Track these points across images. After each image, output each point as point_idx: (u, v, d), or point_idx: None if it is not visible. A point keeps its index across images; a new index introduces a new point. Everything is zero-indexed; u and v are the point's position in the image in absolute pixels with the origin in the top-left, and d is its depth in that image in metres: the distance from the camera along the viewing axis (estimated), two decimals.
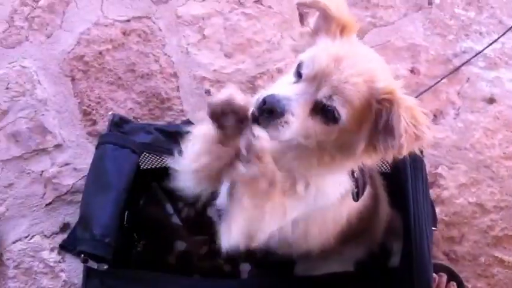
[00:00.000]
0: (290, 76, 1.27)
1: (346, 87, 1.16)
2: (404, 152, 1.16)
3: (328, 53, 1.21)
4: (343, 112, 1.17)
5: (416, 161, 1.65)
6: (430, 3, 2.49)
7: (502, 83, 2.32)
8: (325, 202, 1.42)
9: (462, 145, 2.20)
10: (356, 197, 1.47)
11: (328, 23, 1.28)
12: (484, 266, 2.04)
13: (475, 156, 2.19)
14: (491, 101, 2.29)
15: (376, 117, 1.18)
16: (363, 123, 1.19)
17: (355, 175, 1.43)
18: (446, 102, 2.27)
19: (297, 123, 1.17)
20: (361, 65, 1.19)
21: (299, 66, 1.23)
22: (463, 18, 2.46)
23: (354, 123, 1.19)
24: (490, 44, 2.34)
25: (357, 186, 1.45)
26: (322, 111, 1.19)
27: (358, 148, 1.21)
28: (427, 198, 1.65)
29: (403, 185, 1.63)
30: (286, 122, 1.16)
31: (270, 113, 1.15)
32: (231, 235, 1.32)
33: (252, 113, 1.19)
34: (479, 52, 2.33)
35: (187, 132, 1.56)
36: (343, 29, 1.27)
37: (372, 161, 1.32)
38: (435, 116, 2.24)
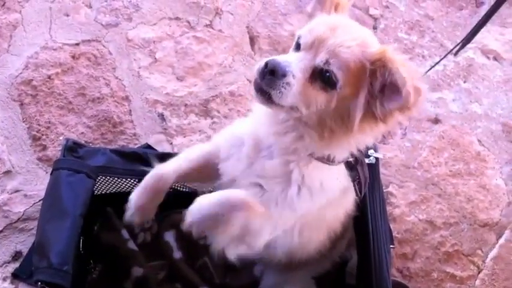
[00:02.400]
0: (290, 52, 1.34)
1: (341, 50, 1.21)
2: (412, 102, 1.19)
3: (324, 22, 1.29)
4: (340, 75, 1.22)
5: (373, 181, 1.69)
6: (374, 28, 2.58)
7: (446, 104, 2.42)
8: (324, 199, 1.44)
9: (410, 164, 2.27)
10: (359, 191, 1.52)
11: (323, 3, 1.38)
12: (436, 282, 2.08)
13: (423, 174, 2.26)
14: (436, 121, 2.38)
15: (372, 80, 1.22)
16: (360, 87, 1.24)
17: (358, 169, 1.48)
18: (393, 123, 2.33)
19: (297, 85, 1.23)
20: (355, 32, 1.28)
21: (298, 39, 1.30)
22: (406, 41, 2.56)
23: (351, 87, 1.24)
24: (432, 67, 2.43)
25: (359, 182, 1.50)
26: (320, 76, 1.24)
27: (357, 117, 1.24)
28: (384, 217, 1.69)
29: (361, 205, 1.65)
30: (287, 83, 1.22)
31: (272, 73, 1.22)
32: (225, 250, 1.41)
33: (254, 81, 1.26)
34: (423, 74, 2.42)
35: (146, 154, 1.57)
36: (336, 6, 1.38)
37: (370, 135, 1.34)
38: (383, 136, 2.30)
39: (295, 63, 1.24)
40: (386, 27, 2.58)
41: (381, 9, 2.63)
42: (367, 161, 1.75)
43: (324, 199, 1.44)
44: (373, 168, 1.74)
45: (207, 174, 1.61)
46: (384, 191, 2.15)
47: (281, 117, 1.38)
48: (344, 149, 1.38)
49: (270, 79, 1.22)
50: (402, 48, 2.52)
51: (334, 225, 1.62)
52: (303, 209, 1.42)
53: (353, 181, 1.50)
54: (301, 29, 1.33)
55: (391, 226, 2.01)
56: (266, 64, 1.22)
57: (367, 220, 1.63)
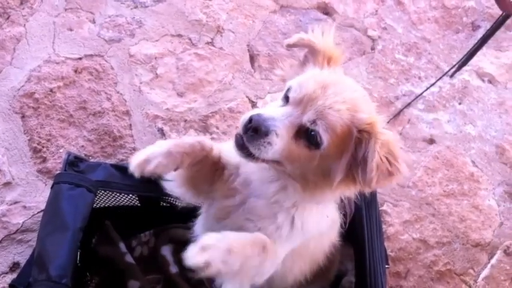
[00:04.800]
0: (278, 101, 1.31)
1: (330, 112, 1.19)
2: (373, 187, 1.20)
3: (316, 79, 1.25)
4: (325, 137, 1.19)
5: (370, 201, 1.72)
6: (372, 49, 2.63)
7: (441, 125, 2.45)
8: (312, 234, 1.44)
9: (405, 183, 2.30)
10: (344, 223, 1.52)
11: (315, 56, 1.34)
12: None
13: (417, 194, 2.29)
14: (431, 141, 2.41)
15: (356, 147, 1.20)
16: (344, 151, 1.21)
17: (344, 202, 1.46)
18: None
19: (280, 144, 1.20)
20: (346, 94, 1.23)
21: (287, 91, 1.27)
22: (403, 63, 2.61)
23: (335, 150, 1.21)
24: (428, 88, 2.48)
25: (344, 214, 1.50)
26: (305, 135, 1.21)
27: (337, 177, 1.22)
28: (380, 238, 1.72)
29: (357, 225, 1.68)
30: (269, 143, 1.19)
31: (255, 131, 1.19)
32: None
33: (236, 135, 1.24)
34: (419, 95, 2.47)
35: None
36: (329, 60, 1.32)
37: (350, 192, 1.32)
38: None
39: (280, 120, 1.20)
40: (384, 48, 2.63)
41: (379, 31, 2.67)
42: None
43: (313, 233, 1.44)
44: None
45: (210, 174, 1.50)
46: (379, 209, 2.19)
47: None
48: (329, 199, 1.39)
49: (252, 136, 1.20)
50: (399, 69, 2.57)
51: (318, 256, 1.61)
52: (297, 243, 1.42)
53: (340, 213, 1.50)
54: (292, 80, 1.29)
55: (385, 244, 2.04)
56: (250, 119, 1.19)
57: (364, 241, 1.66)
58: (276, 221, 1.38)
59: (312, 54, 1.36)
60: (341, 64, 1.36)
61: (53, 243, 1.55)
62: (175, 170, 1.41)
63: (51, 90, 2.19)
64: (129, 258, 1.82)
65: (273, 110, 1.24)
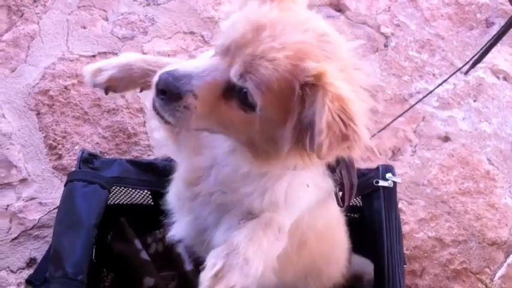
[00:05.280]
0: (212, 50, 1.05)
1: (261, 64, 0.92)
2: (325, 155, 0.92)
3: (249, 19, 0.98)
4: (258, 96, 0.93)
5: (390, 202, 1.71)
6: (385, 46, 2.61)
7: (456, 122, 2.44)
8: (298, 210, 1.20)
9: (420, 181, 2.28)
10: (341, 201, 1.25)
11: None
12: None
13: (432, 192, 2.27)
14: (446, 139, 2.40)
15: (301, 108, 0.93)
16: (288, 113, 0.94)
17: (337, 173, 1.19)
18: (403, 140, 2.36)
19: (202, 107, 0.96)
20: (288, 37, 0.94)
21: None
22: (416, 60, 2.59)
23: (276, 111, 0.95)
24: (441, 84, 2.45)
25: (340, 188, 1.22)
26: (236, 93, 0.96)
27: (284, 146, 0.95)
28: (399, 238, 1.70)
29: (376, 226, 1.68)
30: (185, 107, 0.95)
31: (164, 93, 0.95)
32: None
33: (153, 99, 0.99)
34: (431, 91, 2.44)
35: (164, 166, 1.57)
36: None
37: (307, 163, 1.02)
38: (393, 152, 2.33)
39: (199, 76, 0.94)
40: (397, 45, 2.61)
41: (392, 28, 2.66)
42: (385, 184, 1.77)
43: (300, 208, 1.20)
44: (391, 191, 1.76)
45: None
46: None
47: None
48: (293, 167, 1.08)
49: (163, 100, 0.95)
50: (413, 66, 2.55)
51: (314, 243, 1.39)
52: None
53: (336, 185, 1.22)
54: (226, 21, 1.04)
55: None
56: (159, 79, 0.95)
57: (383, 242, 1.64)
58: (250, 194, 1.14)
59: None
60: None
61: (68, 240, 1.56)
62: (140, 90, 1.22)
63: (65, 88, 2.19)
64: (144, 255, 1.82)
65: (194, 63, 1.00)
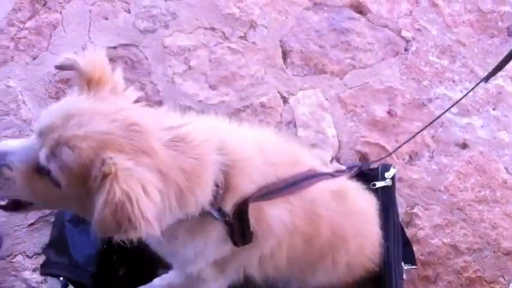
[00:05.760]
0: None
1: (63, 150, 0.99)
2: (100, 231, 0.99)
3: (62, 107, 1.07)
4: (62, 178, 1.01)
5: (388, 205, 1.71)
6: (406, 50, 2.60)
7: (474, 130, 2.42)
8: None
9: (436, 187, 2.27)
10: (234, 240, 1.29)
11: (80, 78, 1.15)
12: None
13: (448, 198, 2.26)
14: (464, 146, 2.38)
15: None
16: (94, 193, 0.99)
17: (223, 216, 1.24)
18: (421, 145, 2.35)
19: (21, 179, 1.05)
20: (93, 126, 1.02)
21: None
22: (437, 65, 2.57)
23: (82, 190, 1.01)
24: (466, 95, 2.43)
25: (230, 228, 1.26)
26: (46, 172, 1.03)
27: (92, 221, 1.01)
28: (397, 236, 1.71)
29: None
30: (6, 179, 1.05)
31: None
32: None
33: None
34: (458, 101, 2.42)
35: None
36: (91, 82, 1.13)
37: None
38: (410, 157, 2.31)
39: (14, 153, 1.05)
40: (418, 50, 2.59)
41: (413, 32, 2.64)
42: (383, 183, 1.76)
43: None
44: (389, 190, 1.75)
45: None
46: (409, 212, 2.17)
47: None
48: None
49: None
50: (433, 72, 2.53)
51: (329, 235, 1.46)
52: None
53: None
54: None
55: (415, 248, 2.02)
56: None
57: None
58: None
59: (79, 77, 1.17)
60: (113, 88, 1.14)
61: (80, 230, 1.57)
62: None
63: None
64: None
65: (13, 143, 1.09)
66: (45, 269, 1.68)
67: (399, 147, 1.95)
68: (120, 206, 0.94)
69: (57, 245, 1.67)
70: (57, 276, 1.63)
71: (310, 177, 1.37)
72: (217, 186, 1.19)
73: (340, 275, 1.59)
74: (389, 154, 2.13)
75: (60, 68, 1.24)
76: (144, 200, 0.97)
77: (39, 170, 1.04)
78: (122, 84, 1.18)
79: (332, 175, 1.48)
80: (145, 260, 1.79)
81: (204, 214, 1.20)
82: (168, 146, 1.08)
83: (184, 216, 1.17)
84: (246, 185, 1.24)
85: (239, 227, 1.25)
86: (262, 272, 1.46)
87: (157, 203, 1.00)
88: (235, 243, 1.28)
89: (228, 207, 1.24)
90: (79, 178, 1.00)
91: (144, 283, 1.76)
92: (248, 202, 1.23)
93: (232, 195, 1.23)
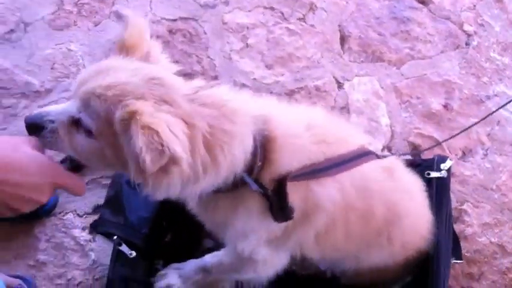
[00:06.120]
0: None
1: (91, 98, 1.08)
2: (150, 168, 1.00)
3: (94, 66, 1.17)
4: (92, 124, 1.08)
5: (442, 196, 1.69)
6: (467, 44, 2.54)
7: None
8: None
9: (488, 185, 2.22)
10: (274, 216, 1.29)
11: (119, 48, 1.23)
12: None
13: (500, 197, 2.20)
14: None
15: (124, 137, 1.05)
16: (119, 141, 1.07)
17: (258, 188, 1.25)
18: (476, 142, 2.29)
19: (62, 133, 1.12)
20: (117, 78, 1.09)
21: None
22: (498, 62, 2.51)
23: (114, 138, 1.07)
24: None
25: (269, 201, 1.27)
26: (80, 123, 1.11)
27: (130, 170, 1.06)
28: (449, 227, 1.71)
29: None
30: (51, 132, 1.13)
31: (32, 128, 1.13)
32: None
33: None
34: None
35: None
36: (125, 47, 1.20)
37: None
38: (464, 153, 2.27)
39: (54, 112, 1.13)
40: (479, 45, 2.53)
41: (475, 27, 2.58)
42: (437, 174, 1.74)
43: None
44: (443, 182, 1.72)
45: None
46: (459, 207, 2.13)
47: None
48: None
49: (35, 133, 1.13)
50: (493, 68, 2.47)
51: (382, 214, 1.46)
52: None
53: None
54: None
55: (462, 244, 1.98)
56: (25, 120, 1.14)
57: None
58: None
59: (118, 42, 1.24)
60: (146, 55, 1.20)
61: (136, 193, 1.60)
62: None
63: None
64: None
65: (54, 106, 1.17)
66: (100, 227, 1.72)
67: (450, 137, 1.90)
68: (148, 139, 0.98)
69: (113, 205, 1.71)
70: (110, 235, 1.66)
71: (359, 157, 1.36)
72: (254, 156, 1.20)
73: (395, 254, 1.58)
74: (439, 143, 2.09)
75: (117, 16, 1.27)
76: (170, 134, 1.01)
77: (75, 124, 1.12)
78: (158, 55, 1.23)
79: (380, 156, 1.45)
80: (191, 230, 1.82)
81: (241, 184, 1.21)
82: (193, 101, 1.12)
83: (220, 182, 1.19)
84: (286, 161, 1.24)
85: (278, 203, 1.25)
86: (320, 251, 1.46)
87: (184, 142, 1.03)
88: (275, 219, 1.28)
89: (266, 180, 1.24)
90: (107, 124, 1.06)
91: (188, 252, 1.80)
92: (287, 178, 1.24)
93: (270, 170, 1.24)
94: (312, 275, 1.80)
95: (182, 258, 1.75)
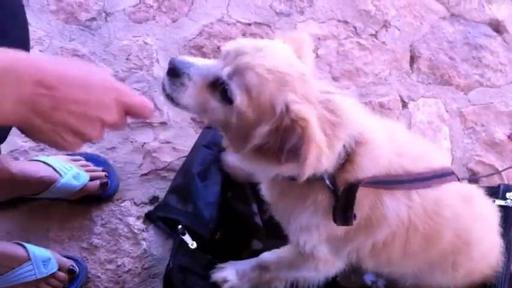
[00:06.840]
0: None
1: (249, 72, 1.12)
2: (308, 168, 1.10)
3: (251, 41, 1.21)
4: (238, 95, 1.13)
5: (508, 220, 1.66)
6: None
7: None
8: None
9: None
10: (335, 216, 1.30)
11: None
12: None
13: None
14: None
15: (286, 133, 1.11)
16: (262, 120, 1.13)
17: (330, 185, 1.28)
18: None
19: (191, 89, 1.19)
20: (277, 62, 1.15)
21: None
22: None
23: (251, 114, 1.14)
24: None
25: (336, 201, 1.28)
26: (220, 87, 1.16)
27: (249, 144, 1.14)
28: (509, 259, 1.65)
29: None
30: (182, 84, 1.19)
31: (172, 73, 1.21)
32: None
33: (163, 78, 1.25)
34: None
35: None
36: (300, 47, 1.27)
37: (262, 165, 1.20)
38: None
39: (197, 67, 1.19)
40: None
41: None
42: (502, 202, 1.72)
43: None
44: (509, 210, 1.70)
45: None
46: None
47: None
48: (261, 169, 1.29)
49: (169, 78, 1.21)
50: None
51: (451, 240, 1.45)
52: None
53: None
54: None
55: None
56: (171, 61, 1.21)
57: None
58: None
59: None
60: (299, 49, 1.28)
61: (205, 185, 1.65)
62: None
63: (218, 48, 2.28)
64: (258, 219, 1.88)
65: (203, 61, 1.24)
66: (163, 212, 1.78)
67: (509, 167, 1.89)
68: (315, 156, 1.09)
69: (181, 192, 1.76)
70: (174, 222, 1.72)
71: (440, 176, 1.36)
72: (338, 155, 1.23)
73: (459, 280, 1.56)
74: (499, 172, 2.07)
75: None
76: (328, 155, 1.13)
77: (213, 86, 1.18)
78: (308, 53, 1.32)
79: (460, 179, 1.46)
80: (242, 230, 1.86)
81: (317, 178, 1.24)
82: (322, 103, 1.18)
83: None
84: (366, 166, 1.26)
85: (343, 204, 1.27)
86: (375, 262, 1.47)
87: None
88: (335, 220, 1.30)
89: (341, 180, 1.27)
90: (256, 102, 1.12)
91: (236, 251, 1.83)
92: (360, 183, 1.25)
93: (349, 171, 1.26)
94: None
95: (229, 257, 1.78)
